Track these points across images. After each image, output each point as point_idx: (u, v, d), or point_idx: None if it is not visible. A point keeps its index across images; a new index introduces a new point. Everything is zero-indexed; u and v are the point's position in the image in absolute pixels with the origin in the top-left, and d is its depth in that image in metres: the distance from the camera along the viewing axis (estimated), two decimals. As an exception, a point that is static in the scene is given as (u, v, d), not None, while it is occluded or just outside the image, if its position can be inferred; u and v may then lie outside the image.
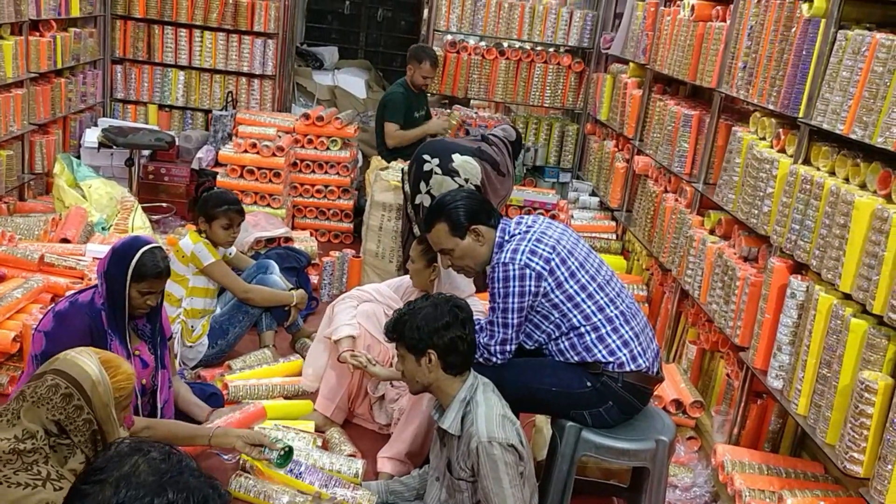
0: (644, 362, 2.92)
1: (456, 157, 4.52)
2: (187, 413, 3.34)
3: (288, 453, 2.94)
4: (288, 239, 5.34)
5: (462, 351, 2.71)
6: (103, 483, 1.45)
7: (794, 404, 3.02)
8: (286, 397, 3.89)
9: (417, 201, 4.65)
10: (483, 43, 7.25)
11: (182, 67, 7.14)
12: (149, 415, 2.98)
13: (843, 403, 2.71)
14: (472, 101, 8.01)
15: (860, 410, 2.54)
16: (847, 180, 2.96)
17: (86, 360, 2.09)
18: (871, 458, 2.54)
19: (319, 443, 3.52)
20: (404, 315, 2.73)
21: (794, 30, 3.38)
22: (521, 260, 2.87)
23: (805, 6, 3.26)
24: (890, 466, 2.40)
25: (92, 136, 6.32)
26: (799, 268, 3.21)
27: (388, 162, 5.59)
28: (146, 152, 6.52)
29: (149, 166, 6.58)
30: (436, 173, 4.51)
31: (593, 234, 5.89)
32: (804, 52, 3.26)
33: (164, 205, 6.39)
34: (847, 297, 2.80)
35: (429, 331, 2.67)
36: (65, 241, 4.76)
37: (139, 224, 5.25)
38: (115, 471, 1.47)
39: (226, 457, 3.46)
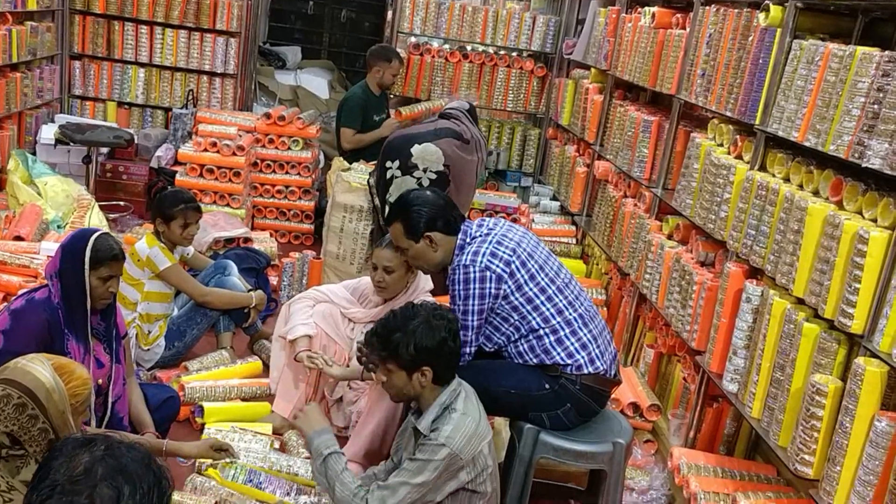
0: (602, 365, 2.94)
1: (414, 148, 4.49)
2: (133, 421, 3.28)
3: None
4: (247, 239, 5.29)
5: (454, 364, 2.68)
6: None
7: (748, 407, 3.06)
8: (244, 399, 3.85)
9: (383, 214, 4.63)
10: (447, 46, 7.26)
11: (142, 65, 7.05)
12: (101, 414, 2.92)
13: (796, 406, 2.75)
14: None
15: (811, 413, 2.59)
16: (801, 187, 3.02)
17: (38, 368, 2.04)
18: (820, 460, 2.59)
19: (277, 445, 3.49)
20: (395, 331, 2.60)
21: (751, 38, 3.44)
22: (481, 262, 2.88)
23: (762, 16, 3.31)
24: (838, 468, 2.45)
25: (48, 133, 6.20)
26: (754, 273, 3.26)
27: (350, 163, 5.57)
28: (104, 150, 6.41)
29: (107, 164, 6.46)
30: (396, 177, 4.50)
31: (553, 238, 5.93)
32: (761, 61, 3.32)
33: (121, 203, 6.29)
34: (800, 301, 2.85)
35: (427, 349, 2.57)
36: (18, 238, 4.66)
37: (96, 222, 5.16)
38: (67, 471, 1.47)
39: (182, 460, 3.41)
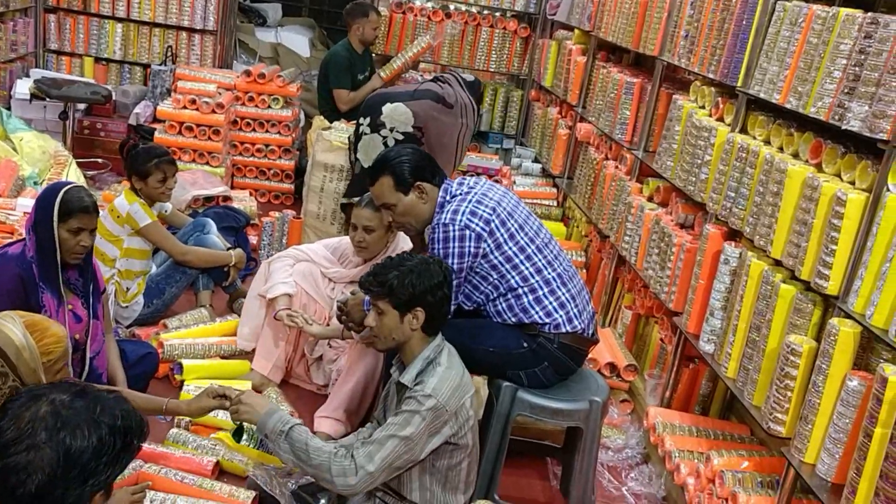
0: (579, 324, 2.96)
1: (385, 107, 4.44)
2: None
3: (238, 430, 2.86)
4: (226, 198, 5.26)
5: (445, 312, 2.66)
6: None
7: (723, 367, 3.10)
8: (223, 357, 3.85)
9: (356, 170, 4.60)
10: (429, 4, 7.18)
11: (120, 19, 6.91)
12: (80, 370, 2.91)
13: (770, 366, 2.79)
14: (419, 64, 7.95)
15: (785, 373, 2.62)
16: (781, 149, 3.03)
17: (8, 326, 2.01)
18: (793, 419, 2.63)
19: (256, 402, 3.50)
20: (392, 270, 2.58)
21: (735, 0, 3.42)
22: (461, 221, 2.87)
23: (747, -24, 3.29)
24: (810, 426, 2.49)
25: (23, 87, 6.09)
26: (733, 234, 3.28)
27: (331, 122, 5.52)
28: (81, 106, 6.32)
29: (84, 121, 6.38)
30: (365, 134, 4.46)
31: (535, 201, 5.93)
32: (744, 22, 3.31)
33: (99, 160, 6.22)
34: (777, 263, 2.88)
35: (423, 289, 2.55)
36: (-7, 194, 4.60)
37: (73, 179, 5.10)
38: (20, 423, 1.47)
39: (161, 416, 3.42)
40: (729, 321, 3.11)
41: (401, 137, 4.38)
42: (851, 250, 2.49)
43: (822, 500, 2.39)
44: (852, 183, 2.60)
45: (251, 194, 5.78)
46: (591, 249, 5.18)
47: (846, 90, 2.56)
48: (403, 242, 3.72)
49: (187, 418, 3.30)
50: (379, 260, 3.63)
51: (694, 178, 3.58)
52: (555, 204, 6.00)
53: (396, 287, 2.55)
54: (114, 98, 6.45)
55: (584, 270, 5.12)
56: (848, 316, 2.47)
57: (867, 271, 2.40)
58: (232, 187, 5.89)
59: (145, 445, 2.97)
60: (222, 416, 3.26)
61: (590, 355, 3.64)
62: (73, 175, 5.14)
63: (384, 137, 4.40)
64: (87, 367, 2.93)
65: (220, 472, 3.10)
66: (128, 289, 4.01)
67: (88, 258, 2.97)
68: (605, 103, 4.96)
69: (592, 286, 4.98)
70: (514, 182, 6.04)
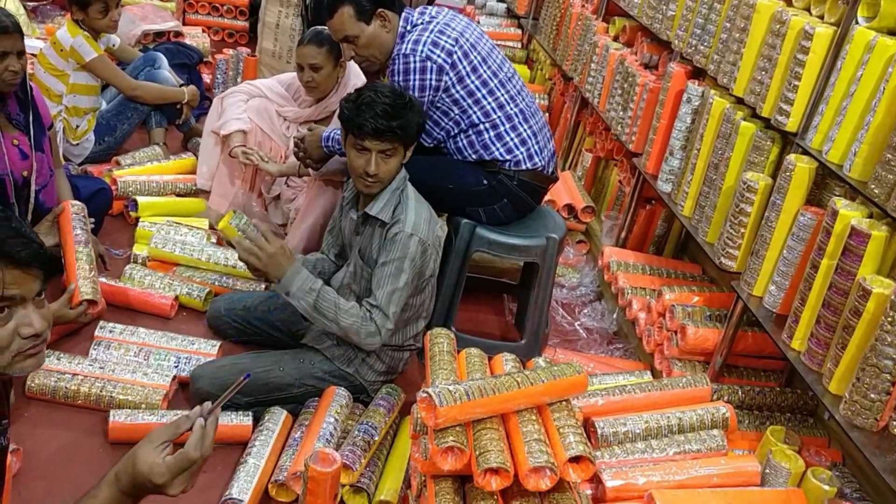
0: (540, 161, 2.94)
1: None
2: None
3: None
4: (178, 34, 5.04)
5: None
6: None
7: (680, 206, 3.12)
8: (178, 195, 3.79)
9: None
10: None
11: None
12: (25, 205, 2.83)
13: (726, 204, 2.82)
14: None
15: (740, 209, 2.65)
16: (751, -17, 2.94)
17: None
18: (744, 254, 2.68)
19: (214, 240, 3.48)
20: (406, 112, 2.44)
21: None
22: (422, 52, 2.78)
23: None
24: (760, 260, 2.54)
25: None
26: (697, 74, 3.23)
27: (287, -46, 5.24)
28: (16, -69, 5.89)
29: (20, -52, 5.97)
30: None
31: (499, 42, 5.76)
32: None
33: (40, -8, 5.88)
34: (740, 101, 2.85)
35: (421, 122, 2.54)
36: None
37: (12, 9, 4.82)
38: None
39: (117, 252, 3.40)
40: (688, 161, 3.12)
41: None
42: (814, 86, 2.46)
43: (766, 329, 2.47)
44: (821, 17, 2.55)
45: (204, 31, 5.55)
46: (555, 92, 5.10)
47: (822, -82, 2.47)
48: (355, 77, 3.61)
49: (145, 253, 3.29)
50: (333, 99, 3.55)
51: (661, 16, 3.49)
52: (519, 46, 5.85)
53: (407, 128, 2.47)
54: (52, -77, 6.03)
55: (547, 114, 5.06)
56: (805, 152, 2.48)
57: (827, 107, 2.39)
58: (183, 24, 5.64)
59: (103, 280, 2.97)
60: (179, 252, 3.25)
61: (548, 197, 3.65)
62: (12, 5, 4.87)
63: None
64: (32, 201, 2.85)
65: (179, 307, 3.12)
66: (77, 126, 3.89)
67: (26, 88, 2.83)
68: (574, -62, 4.76)
69: (554, 130, 4.94)
70: (479, 22, 5.87)
